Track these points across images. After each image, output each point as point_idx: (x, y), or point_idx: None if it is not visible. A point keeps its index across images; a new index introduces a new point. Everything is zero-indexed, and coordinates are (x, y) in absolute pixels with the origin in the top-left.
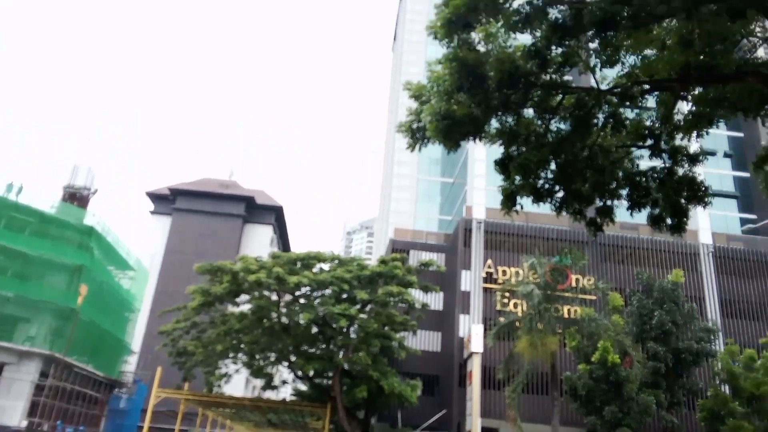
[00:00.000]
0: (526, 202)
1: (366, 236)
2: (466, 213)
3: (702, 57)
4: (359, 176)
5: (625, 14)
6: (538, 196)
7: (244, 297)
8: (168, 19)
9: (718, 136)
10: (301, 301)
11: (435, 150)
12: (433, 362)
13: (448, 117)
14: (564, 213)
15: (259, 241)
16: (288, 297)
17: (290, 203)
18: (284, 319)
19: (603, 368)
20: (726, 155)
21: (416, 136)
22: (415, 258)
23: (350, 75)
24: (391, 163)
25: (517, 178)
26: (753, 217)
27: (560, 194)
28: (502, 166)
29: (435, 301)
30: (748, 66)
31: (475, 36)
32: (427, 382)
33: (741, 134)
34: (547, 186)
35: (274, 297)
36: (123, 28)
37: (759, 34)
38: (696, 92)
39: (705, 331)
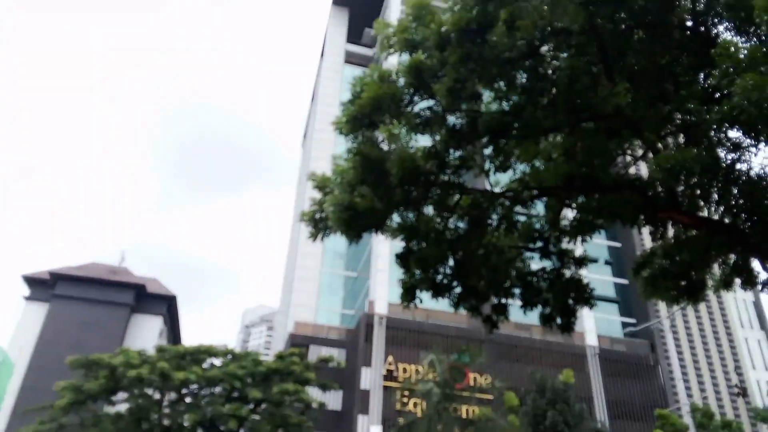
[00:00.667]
0: (425, 297)
1: (265, 330)
2: (368, 308)
3: (583, 169)
4: (262, 268)
5: (516, 125)
6: (437, 291)
7: (121, 395)
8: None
9: (600, 245)
10: (187, 400)
11: (339, 244)
12: None
13: (350, 208)
14: (462, 310)
15: (146, 334)
16: (172, 395)
17: (186, 293)
18: (166, 421)
19: None
20: (607, 263)
21: (319, 226)
22: (315, 353)
23: (260, 167)
24: (295, 255)
25: (417, 272)
26: (633, 321)
27: (458, 290)
28: (403, 259)
29: (333, 400)
30: (623, 180)
31: (379, 135)
32: None
33: (619, 244)
34: (445, 281)
35: (157, 396)
36: None
37: (631, 153)
38: (579, 200)
39: (594, 431)
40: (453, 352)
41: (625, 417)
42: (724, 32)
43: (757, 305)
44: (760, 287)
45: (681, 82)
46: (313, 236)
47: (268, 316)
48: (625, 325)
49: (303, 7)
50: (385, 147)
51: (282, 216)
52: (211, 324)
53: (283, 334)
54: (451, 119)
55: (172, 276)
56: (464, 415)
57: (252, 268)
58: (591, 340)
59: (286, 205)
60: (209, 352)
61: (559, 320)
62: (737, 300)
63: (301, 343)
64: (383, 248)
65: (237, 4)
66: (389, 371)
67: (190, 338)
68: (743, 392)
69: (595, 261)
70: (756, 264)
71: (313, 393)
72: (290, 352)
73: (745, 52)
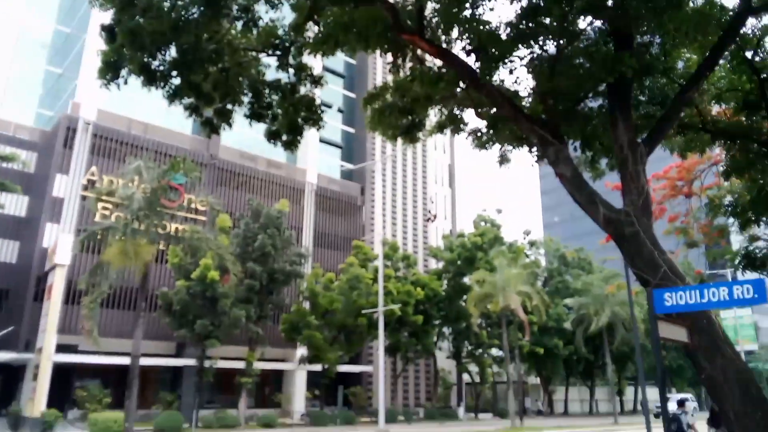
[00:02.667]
0: (146, 110)
1: None
2: (72, 110)
3: None
4: None
5: None
6: (150, 78)
7: None
8: None
9: (336, 92)
10: None
11: (44, 32)
12: (4, 275)
13: None
14: (184, 129)
15: None
16: None
17: None
18: None
19: (201, 285)
20: (339, 110)
21: None
22: None
23: None
24: None
25: (125, 49)
26: (351, 166)
27: (177, 82)
28: (109, 32)
29: (15, 205)
30: None
31: None
32: None
33: (354, 95)
34: (162, 68)
35: None
36: None
37: None
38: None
39: (298, 256)
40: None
41: (328, 246)
42: None
43: (451, 168)
44: (466, 135)
45: None
46: None
47: None
48: (344, 170)
49: None
50: None
51: None
52: None
53: None
54: None
55: None
56: (173, 233)
57: None
58: (311, 177)
59: None
60: None
61: (285, 137)
62: (436, 161)
63: None
64: (99, 44)
65: None
66: (91, 181)
67: None
68: (433, 217)
69: (329, 106)
70: (468, 114)
71: None
72: None
73: None
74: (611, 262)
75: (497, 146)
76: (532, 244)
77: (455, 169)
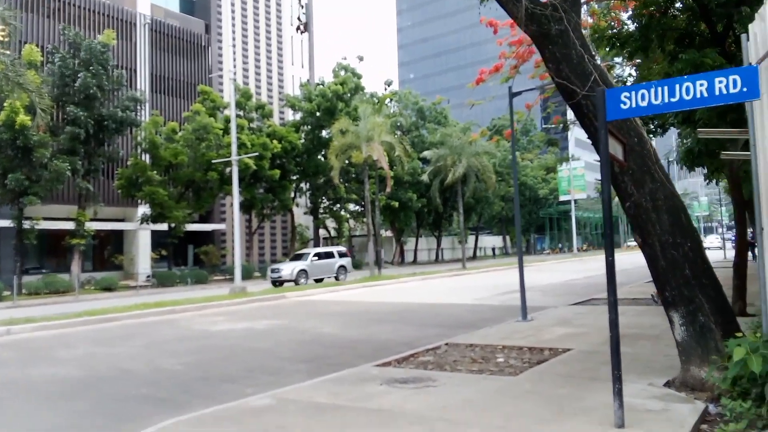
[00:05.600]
0: None
1: None
2: None
3: None
4: None
5: None
6: None
7: None
8: None
9: None
10: None
11: None
12: None
13: None
14: None
15: None
16: None
17: None
18: None
19: (10, 131)
20: None
21: None
22: None
23: None
24: None
25: None
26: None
27: None
28: None
29: None
30: None
31: None
32: None
33: None
34: None
35: None
36: None
37: None
38: None
39: (132, 101)
40: None
41: (168, 93)
42: None
43: (308, 8)
44: None
45: None
46: None
47: None
48: (185, 3)
49: None
50: None
51: None
52: None
53: None
54: None
55: None
56: None
57: None
58: (143, 7)
59: None
60: None
61: None
62: (292, 1)
63: None
64: None
65: None
66: None
67: None
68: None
69: None
70: None
71: None
72: None
73: None
74: (467, 113)
75: None
76: (393, 95)
77: (312, 10)
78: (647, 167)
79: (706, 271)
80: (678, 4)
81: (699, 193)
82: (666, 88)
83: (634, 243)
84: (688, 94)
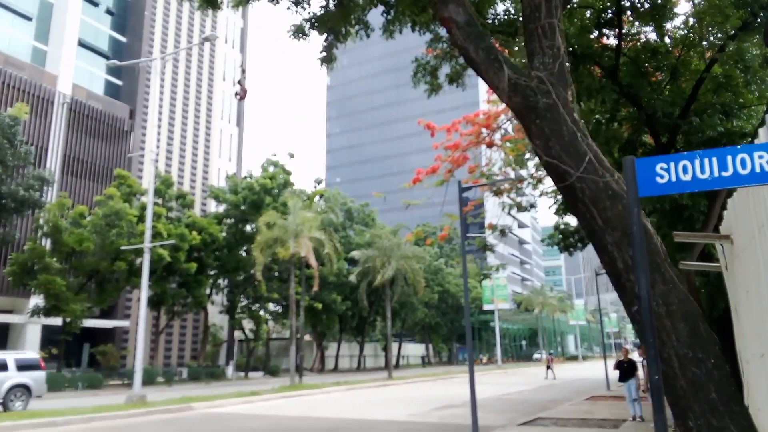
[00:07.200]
0: None
1: None
2: None
3: None
4: None
5: None
6: None
7: None
8: None
9: None
10: None
11: None
12: None
13: None
14: None
15: None
16: None
17: None
18: None
19: None
20: (109, 12)
21: None
22: None
23: None
24: None
25: None
26: (119, 82)
27: None
28: None
29: None
30: None
31: None
32: None
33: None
34: None
35: None
36: None
37: None
38: None
39: (38, 179)
40: None
41: (82, 175)
42: None
43: (240, 108)
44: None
45: None
46: None
47: None
48: (110, 86)
49: None
50: None
51: None
52: None
53: None
54: None
55: None
56: None
57: None
58: (64, 86)
59: None
60: None
61: None
62: (224, 94)
63: None
64: None
65: None
66: None
67: None
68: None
69: (96, 5)
70: None
71: None
72: None
73: None
74: (392, 218)
75: (321, 37)
76: (324, 191)
77: (243, 107)
78: (656, 264)
79: (734, 396)
80: (623, 112)
81: (608, 309)
82: (715, 159)
83: (538, 356)
84: (744, 167)
